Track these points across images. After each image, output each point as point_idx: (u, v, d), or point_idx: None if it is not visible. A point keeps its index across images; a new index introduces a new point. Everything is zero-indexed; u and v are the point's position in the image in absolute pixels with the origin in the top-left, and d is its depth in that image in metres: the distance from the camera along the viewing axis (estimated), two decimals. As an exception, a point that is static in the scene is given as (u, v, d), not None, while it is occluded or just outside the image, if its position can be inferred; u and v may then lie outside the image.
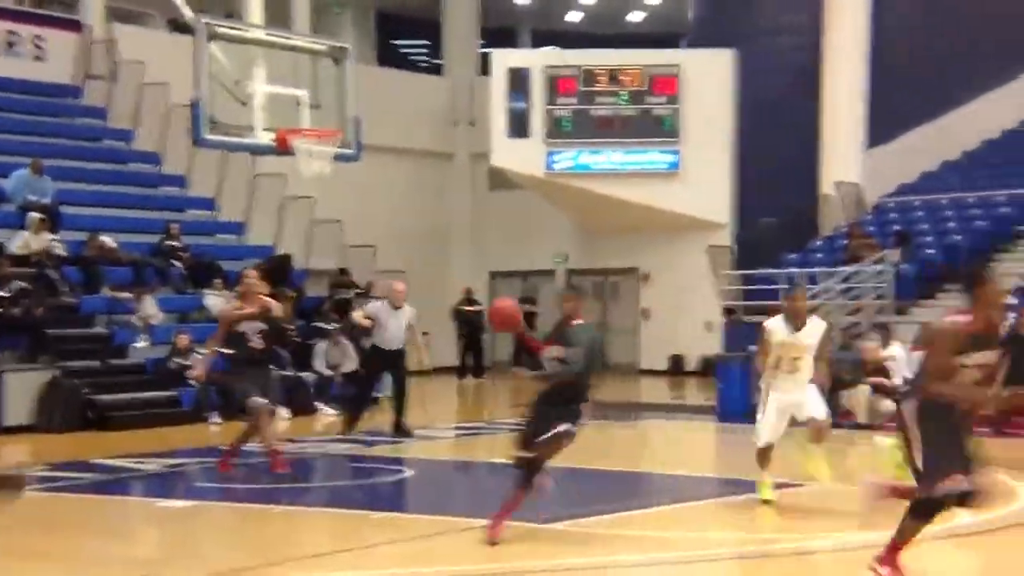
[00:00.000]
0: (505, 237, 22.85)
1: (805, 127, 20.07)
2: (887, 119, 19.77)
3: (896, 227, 17.93)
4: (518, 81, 20.51)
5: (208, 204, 17.92)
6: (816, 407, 7.44)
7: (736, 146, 20.31)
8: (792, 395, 7.43)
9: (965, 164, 20.47)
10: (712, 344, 18.33)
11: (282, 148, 13.16)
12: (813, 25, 20.23)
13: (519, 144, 20.35)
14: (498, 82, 20.56)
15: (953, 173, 20.10)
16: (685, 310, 20.48)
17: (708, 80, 20.21)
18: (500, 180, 22.09)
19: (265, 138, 13.05)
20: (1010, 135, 21.16)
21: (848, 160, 19.70)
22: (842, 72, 19.66)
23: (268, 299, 8.99)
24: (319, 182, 15.15)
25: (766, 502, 7.72)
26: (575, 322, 6.41)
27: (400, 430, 11.62)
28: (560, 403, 6.36)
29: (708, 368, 18.11)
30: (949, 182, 19.51)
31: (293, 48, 13.83)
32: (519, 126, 20.45)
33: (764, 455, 7.76)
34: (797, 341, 7.33)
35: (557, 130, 20.34)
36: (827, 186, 19.79)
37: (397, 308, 11.39)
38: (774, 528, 7.41)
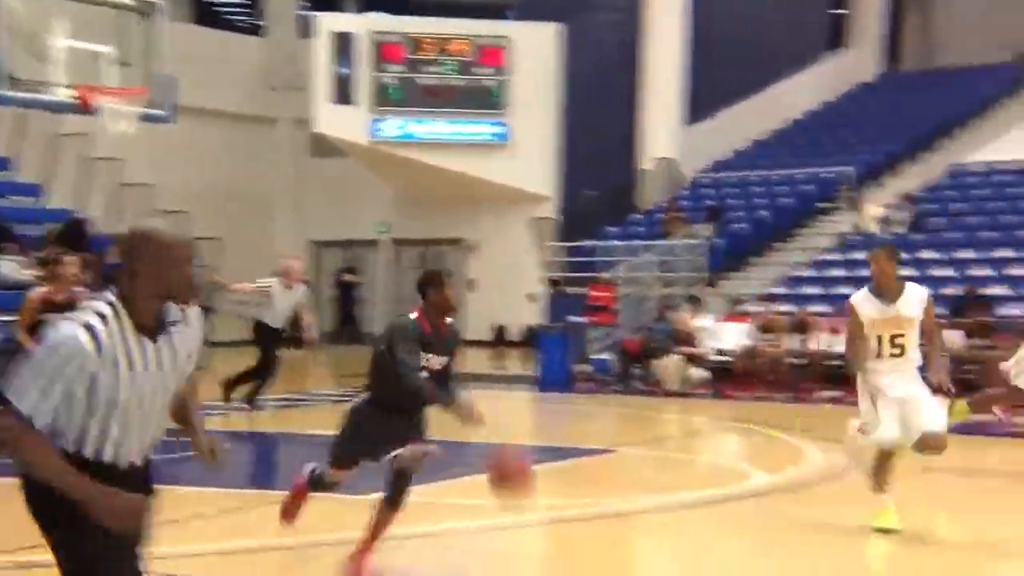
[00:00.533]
0: (328, 205, 22.39)
1: (627, 103, 20.52)
2: (705, 97, 20.46)
3: (709, 202, 18.62)
4: (343, 46, 20.04)
5: (1, 164, 16.72)
6: (931, 419, 5.76)
7: (562, 119, 20.55)
8: (899, 391, 5.75)
9: (773, 143, 21.48)
10: (535, 315, 18.57)
11: (85, 106, 12.40)
12: (634, 2, 20.66)
13: (343, 111, 19.93)
14: (322, 46, 20.03)
15: (762, 151, 21.05)
16: (510, 281, 20.64)
17: (535, 53, 20.33)
18: (323, 147, 21.60)
19: (65, 95, 12.26)
20: (812, 116, 22.35)
21: (667, 136, 20.29)
22: (662, 50, 20.19)
23: (80, 289, 8.42)
24: (130, 144, 14.38)
25: (886, 531, 5.91)
26: (448, 321, 5.07)
27: (249, 402, 11.28)
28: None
29: (530, 338, 18.33)
30: (758, 160, 20.41)
31: (98, 1, 13.02)
32: (343, 92, 20.01)
33: (883, 466, 5.95)
34: (895, 315, 5.74)
35: (383, 98, 20.02)
36: (646, 161, 20.32)
37: (288, 288, 11.22)
38: (589, 493, 7.54)
